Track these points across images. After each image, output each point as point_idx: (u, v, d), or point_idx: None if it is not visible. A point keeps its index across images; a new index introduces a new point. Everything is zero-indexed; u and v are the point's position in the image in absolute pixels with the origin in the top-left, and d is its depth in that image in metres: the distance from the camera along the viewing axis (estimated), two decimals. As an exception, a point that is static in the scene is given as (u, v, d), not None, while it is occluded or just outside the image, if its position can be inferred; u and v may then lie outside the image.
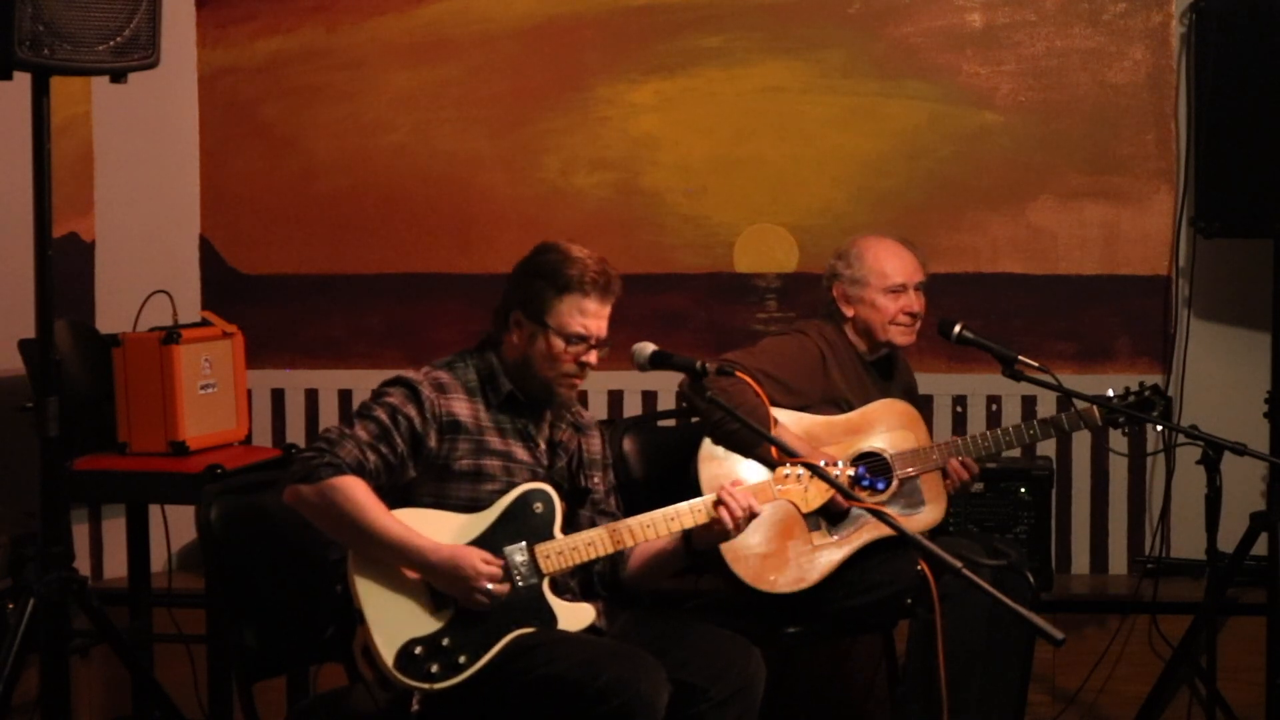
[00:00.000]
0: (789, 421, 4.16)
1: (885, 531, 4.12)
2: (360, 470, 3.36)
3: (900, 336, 4.36)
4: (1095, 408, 4.26)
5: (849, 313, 4.36)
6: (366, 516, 3.32)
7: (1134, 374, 5.05)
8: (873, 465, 4.20)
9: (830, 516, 4.14)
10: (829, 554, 4.14)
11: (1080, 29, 5.16)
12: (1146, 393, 4.30)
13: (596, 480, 3.68)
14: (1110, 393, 4.33)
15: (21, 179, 3.75)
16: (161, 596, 4.81)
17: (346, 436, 3.39)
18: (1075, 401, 4.22)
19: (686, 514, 3.51)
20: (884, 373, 4.43)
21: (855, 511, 4.15)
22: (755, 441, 4.07)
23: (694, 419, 4.25)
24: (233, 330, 4.66)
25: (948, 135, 5.21)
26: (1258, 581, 4.61)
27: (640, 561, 3.64)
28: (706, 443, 4.15)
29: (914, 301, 4.36)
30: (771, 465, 3.95)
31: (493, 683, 3.33)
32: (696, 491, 3.96)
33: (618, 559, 3.62)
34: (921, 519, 4.23)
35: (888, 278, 4.33)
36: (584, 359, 3.53)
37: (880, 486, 3.55)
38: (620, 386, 5.31)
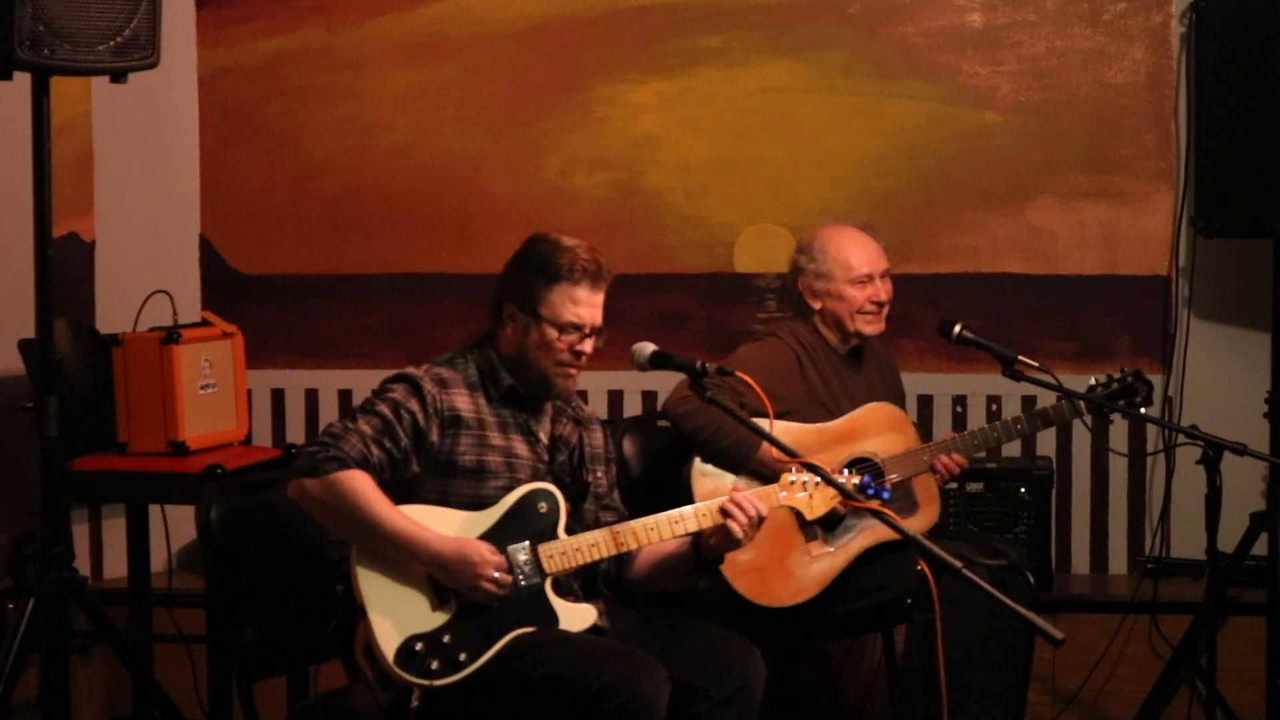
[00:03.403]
0: (779, 430, 4.13)
1: (881, 538, 4.12)
2: (365, 464, 3.36)
3: (867, 326, 4.32)
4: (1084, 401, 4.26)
5: (816, 305, 4.33)
6: (372, 510, 3.32)
7: (1134, 374, 5.06)
8: (866, 470, 4.18)
9: (827, 525, 4.12)
10: (826, 564, 4.13)
11: (1080, 29, 5.16)
12: (1129, 379, 4.29)
13: (599, 475, 3.67)
14: (1093, 380, 4.31)
15: (21, 179, 3.75)
16: (161, 596, 4.81)
17: (350, 431, 3.39)
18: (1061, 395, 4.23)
19: (691, 517, 3.50)
20: (856, 362, 4.41)
21: (851, 519, 4.13)
22: (747, 456, 4.06)
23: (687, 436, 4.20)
24: (233, 330, 4.66)
25: (948, 135, 5.21)
26: (1258, 581, 4.61)
27: (647, 564, 3.64)
28: (697, 464, 4.12)
29: (880, 290, 4.32)
30: (764, 480, 3.94)
31: (493, 681, 3.33)
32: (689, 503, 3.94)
33: (624, 560, 3.62)
34: (916, 522, 4.22)
35: (852, 269, 4.29)
36: (579, 348, 3.53)
37: (885, 495, 3.54)
38: (620, 386, 5.31)
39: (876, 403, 4.32)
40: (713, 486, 4.06)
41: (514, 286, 3.56)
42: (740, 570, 4.00)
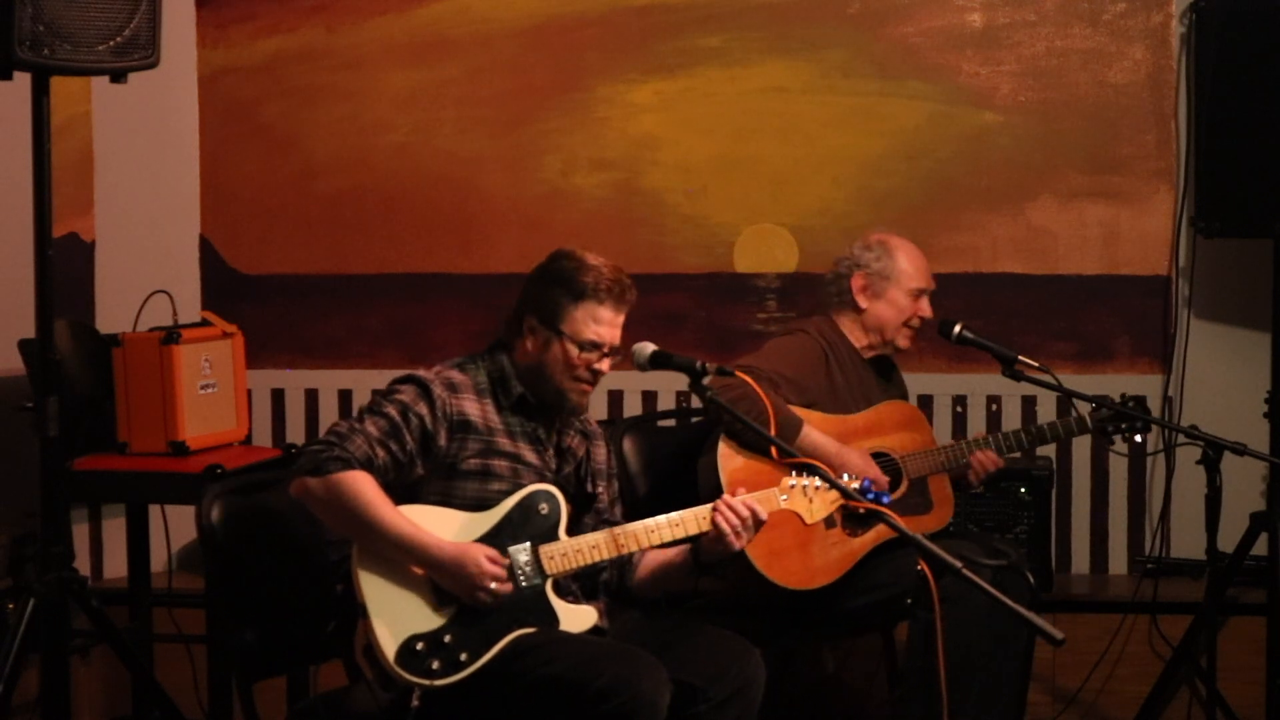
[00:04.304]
0: (805, 415, 4.14)
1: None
2: (369, 465, 3.36)
3: (905, 340, 4.36)
4: (1088, 413, 4.27)
5: (864, 304, 4.34)
6: (373, 511, 3.32)
7: (1134, 374, 5.06)
8: (883, 466, 4.20)
9: (848, 516, 4.13)
10: (844, 551, 4.14)
11: (1080, 29, 5.16)
12: (1129, 404, 4.30)
13: (601, 489, 3.68)
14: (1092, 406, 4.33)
15: (21, 179, 3.75)
16: (161, 596, 4.81)
17: (357, 431, 3.39)
18: (1076, 405, 4.24)
19: (691, 520, 3.50)
20: (881, 372, 4.43)
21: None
22: (788, 441, 4.05)
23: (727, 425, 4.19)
24: (233, 330, 4.66)
25: (948, 135, 5.21)
26: (1258, 581, 4.61)
27: (648, 571, 3.64)
28: (724, 442, 4.12)
29: (929, 308, 4.36)
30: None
31: (493, 681, 3.33)
32: (714, 493, 3.95)
33: (625, 568, 3.63)
34: (930, 521, 4.23)
35: (915, 279, 4.33)
36: (596, 366, 3.53)
37: (884, 500, 3.54)
38: (620, 386, 5.31)
39: (895, 400, 4.34)
40: (737, 467, 4.05)
41: (537, 300, 3.56)
42: (762, 551, 4.00)
